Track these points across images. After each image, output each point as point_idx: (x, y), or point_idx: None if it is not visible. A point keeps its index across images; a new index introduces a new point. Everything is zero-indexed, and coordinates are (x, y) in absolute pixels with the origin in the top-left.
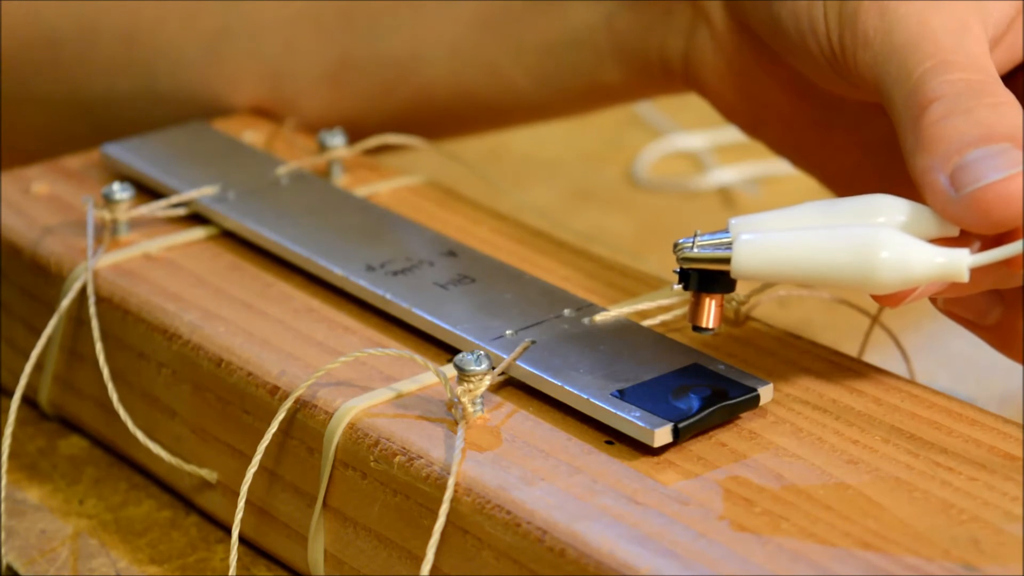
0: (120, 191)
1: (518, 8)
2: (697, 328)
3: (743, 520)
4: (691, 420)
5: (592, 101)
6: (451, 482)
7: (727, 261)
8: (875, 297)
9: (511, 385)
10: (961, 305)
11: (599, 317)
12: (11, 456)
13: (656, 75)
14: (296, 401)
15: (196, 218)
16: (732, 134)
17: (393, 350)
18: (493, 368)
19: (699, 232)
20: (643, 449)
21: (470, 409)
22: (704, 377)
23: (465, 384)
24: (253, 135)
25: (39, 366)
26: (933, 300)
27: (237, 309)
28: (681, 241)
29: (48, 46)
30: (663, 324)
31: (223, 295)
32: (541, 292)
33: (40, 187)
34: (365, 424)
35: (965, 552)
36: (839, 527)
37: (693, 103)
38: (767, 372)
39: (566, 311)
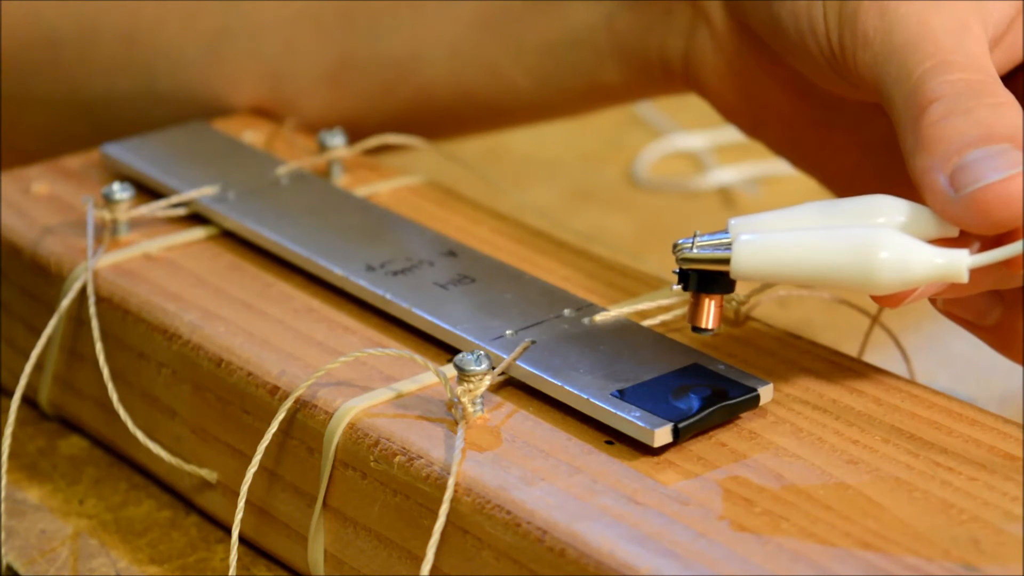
0: (120, 191)
1: (518, 8)
2: (696, 329)
3: (743, 520)
4: (691, 420)
5: (592, 101)
6: (451, 482)
7: (726, 262)
8: (875, 298)
9: (511, 385)
10: (961, 306)
11: (599, 317)
12: (11, 456)
13: (656, 75)
14: (296, 401)
15: (196, 218)
16: (732, 134)
17: (393, 350)
18: (493, 368)
19: (698, 233)
20: (643, 449)
21: (470, 409)
22: (704, 377)
23: (465, 384)
24: (253, 135)
25: (39, 366)
26: (933, 301)
27: (237, 309)
28: (680, 242)
29: (48, 46)
30: (663, 324)
31: (223, 295)
32: (541, 292)
33: (40, 187)
34: (365, 424)
35: (965, 552)
36: (839, 527)
37: (693, 103)
38: (767, 372)
39: (566, 311)
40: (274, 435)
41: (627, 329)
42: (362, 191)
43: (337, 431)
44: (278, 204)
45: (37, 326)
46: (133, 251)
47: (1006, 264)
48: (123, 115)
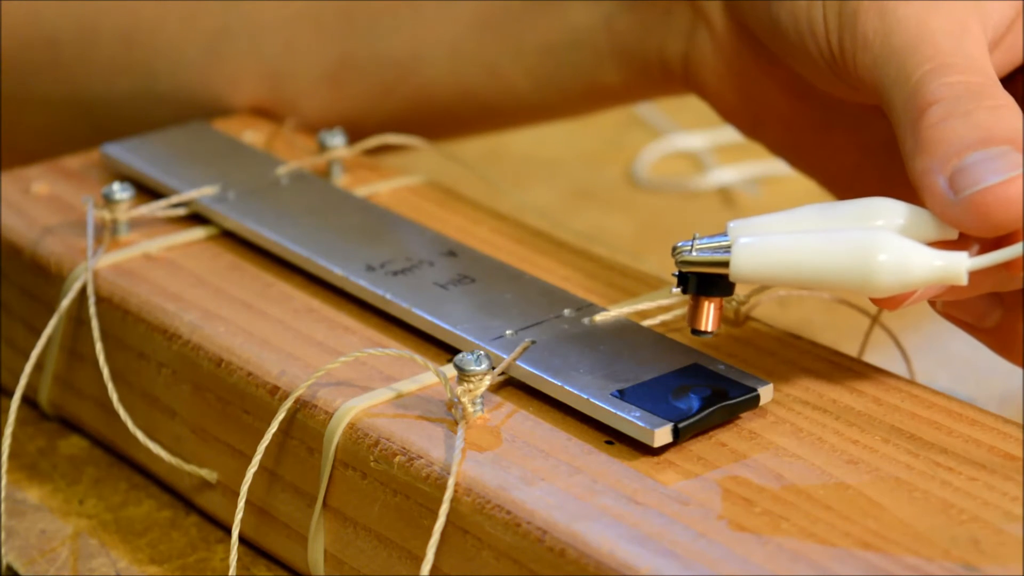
0: (120, 191)
1: (518, 8)
2: (696, 331)
3: (743, 520)
4: (691, 420)
5: (592, 102)
6: (451, 482)
7: (726, 264)
8: (874, 300)
9: (511, 385)
10: (960, 308)
11: (599, 317)
12: (11, 456)
13: (656, 76)
14: (296, 401)
15: (196, 218)
16: (732, 134)
17: (393, 350)
18: (493, 368)
19: (697, 235)
20: (643, 449)
21: (470, 409)
22: (704, 377)
23: (465, 384)
24: (253, 135)
25: (39, 366)
26: (932, 303)
27: (237, 309)
28: (679, 244)
29: (48, 46)
30: (663, 324)
31: (223, 295)
32: (541, 292)
33: (40, 187)
34: (365, 424)
35: (965, 552)
36: (839, 527)
37: (693, 103)
38: (767, 372)
39: (566, 311)
40: (274, 435)
41: (627, 329)
42: (362, 191)
43: (337, 431)
44: (278, 204)
45: (37, 326)
46: (133, 251)
47: (1005, 266)
48: (123, 115)
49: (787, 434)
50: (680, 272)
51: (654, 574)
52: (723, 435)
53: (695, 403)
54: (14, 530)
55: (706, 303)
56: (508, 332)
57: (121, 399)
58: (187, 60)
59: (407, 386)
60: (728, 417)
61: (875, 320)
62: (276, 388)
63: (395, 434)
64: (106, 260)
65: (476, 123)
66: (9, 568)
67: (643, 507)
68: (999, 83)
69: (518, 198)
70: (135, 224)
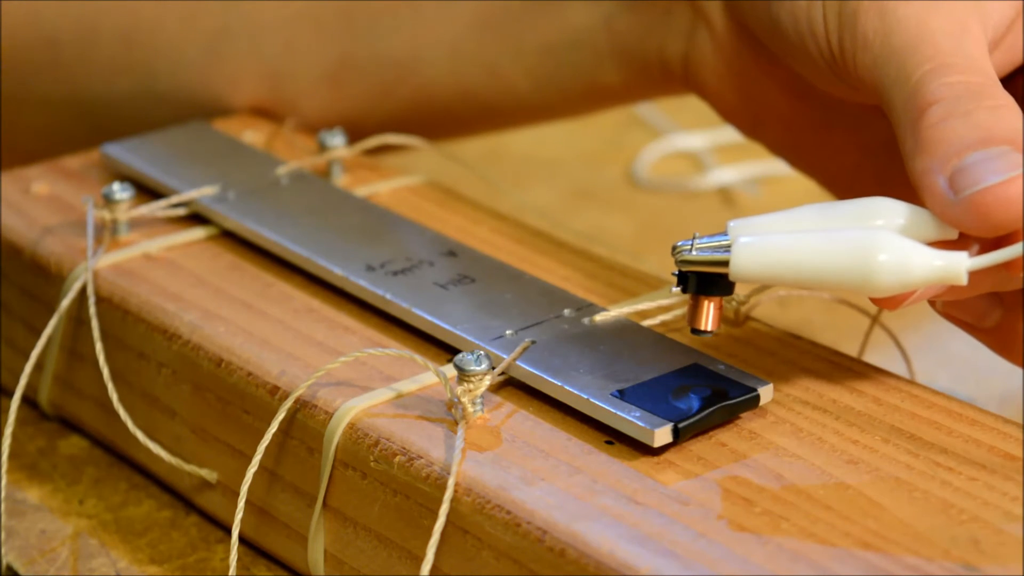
0: (120, 191)
1: (518, 8)
2: (696, 331)
3: (743, 520)
4: (691, 420)
5: (592, 102)
6: (451, 482)
7: (725, 264)
8: (874, 300)
9: (511, 385)
10: (960, 308)
11: (599, 317)
12: (11, 456)
13: (655, 76)
14: (296, 401)
15: (196, 218)
16: (732, 134)
17: (393, 350)
18: (493, 368)
19: (697, 235)
20: (643, 449)
21: (470, 409)
22: (704, 377)
23: (465, 384)
24: (253, 135)
25: (39, 366)
26: (932, 303)
27: (237, 309)
28: (679, 244)
29: (48, 46)
30: (663, 324)
31: (223, 295)
32: (541, 292)
33: (40, 187)
34: (365, 424)
35: (965, 552)
36: (839, 527)
37: (693, 103)
38: (767, 372)
39: (566, 311)
40: (274, 435)
41: (627, 329)
42: (362, 191)
43: (337, 431)
44: (278, 204)
45: (37, 326)
46: (133, 251)
47: (1005, 266)
48: (123, 115)
49: (787, 434)
50: (680, 272)
51: (654, 574)
52: (723, 435)
53: (695, 403)
54: (14, 530)
55: (706, 303)
56: (508, 332)
57: (121, 399)
58: (187, 60)
59: (407, 386)
60: (728, 417)
61: (875, 320)
62: (276, 388)
63: (395, 434)
64: (106, 260)
65: (476, 123)
66: (9, 568)
67: (643, 507)
68: (999, 83)
69: (518, 198)
70: (135, 224)
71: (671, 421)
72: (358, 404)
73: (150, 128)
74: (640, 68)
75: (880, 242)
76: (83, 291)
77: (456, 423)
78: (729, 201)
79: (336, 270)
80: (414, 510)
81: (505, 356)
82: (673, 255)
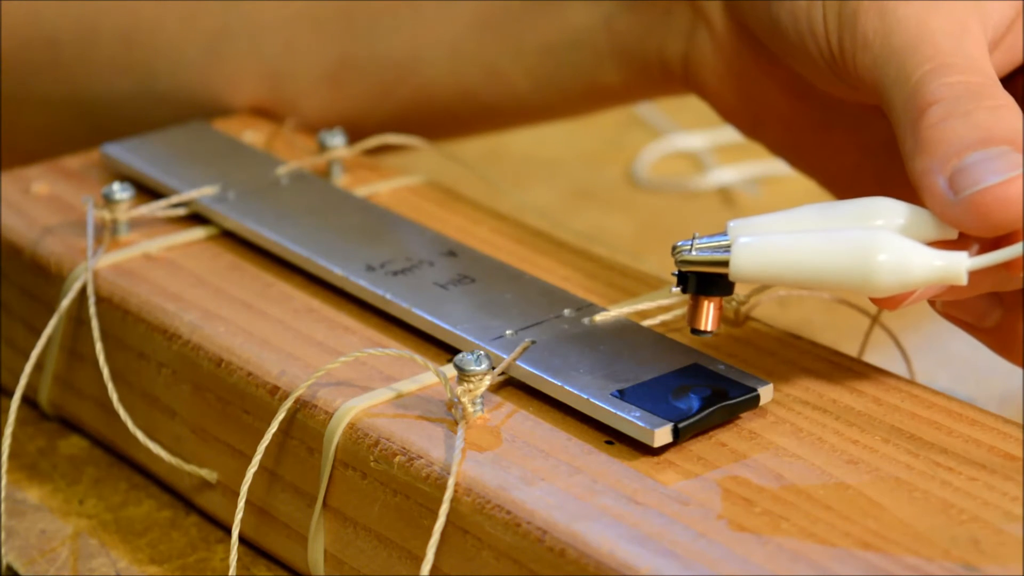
0: (120, 191)
1: (518, 8)
2: (695, 331)
3: (743, 520)
4: (691, 420)
5: (592, 102)
6: (451, 482)
7: (725, 264)
8: (874, 300)
9: (511, 385)
10: (960, 308)
11: (599, 317)
12: (11, 456)
13: (655, 76)
14: (296, 401)
15: (196, 218)
16: (732, 134)
17: (393, 350)
18: (493, 368)
19: (697, 235)
20: (643, 449)
21: (470, 409)
22: (704, 377)
23: (465, 384)
24: (253, 135)
25: (39, 366)
26: (932, 303)
27: (237, 309)
28: (679, 244)
29: (48, 46)
30: (663, 324)
31: (223, 295)
32: (541, 292)
33: (40, 187)
34: (365, 424)
35: (965, 552)
36: (839, 527)
37: (693, 103)
38: (767, 372)
39: (566, 311)
40: (274, 435)
41: (627, 329)
42: (362, 191)
43: (337, 431)
44: (278, 204)
45: (37, 326)
46: (133, 251)
47: (1005, 266)
48: (123, 115)
49: (787, 434)
50: (680, 272)
51: (654, 574)
52: (723, 435)
53: (695, 403)
54: (14, 530)
55: (706, 303)
56: (508, 332)
57: (121, 399)
58: (187, 60)
59: (407, 386)
60: (728, 417)
61: (875, 320)
62: (276, 388)
63: (395, 434)
64: (106, 260)
65: (476, 123)
66: (9, 568)
67: (643, 507)
68: (999, 83)
69: (518, 198)
70: (135, 224)
71: (671, 421)
72: (358, 404)
73: (150, 128)
74: (640, 68)
75: (880, 242)
76: (83, 291)
77: (456, 423)
78: (729, 201)
79: (336, 270)
80: (414, 510)
81: (505, 356)
82: (673, 255)
